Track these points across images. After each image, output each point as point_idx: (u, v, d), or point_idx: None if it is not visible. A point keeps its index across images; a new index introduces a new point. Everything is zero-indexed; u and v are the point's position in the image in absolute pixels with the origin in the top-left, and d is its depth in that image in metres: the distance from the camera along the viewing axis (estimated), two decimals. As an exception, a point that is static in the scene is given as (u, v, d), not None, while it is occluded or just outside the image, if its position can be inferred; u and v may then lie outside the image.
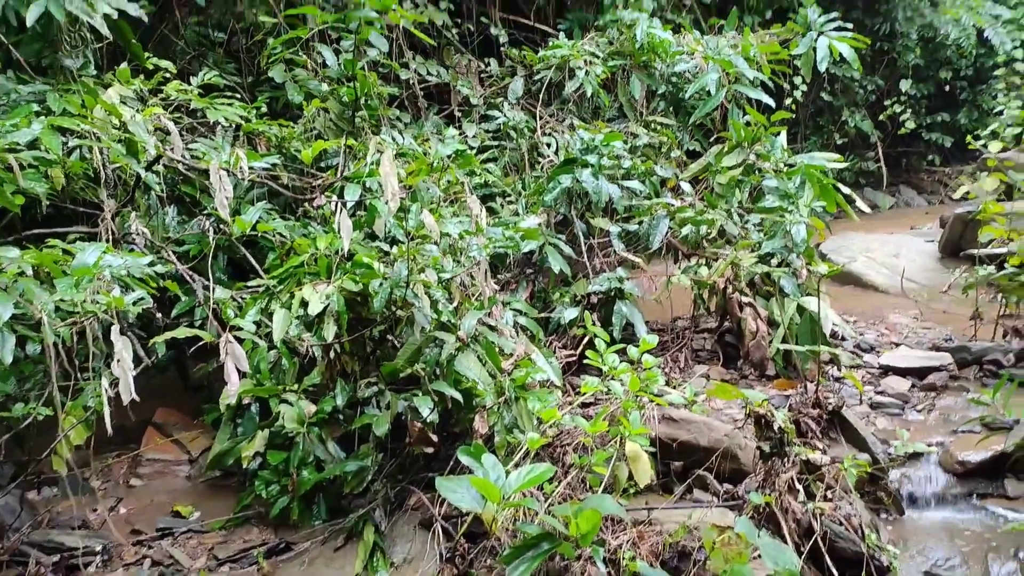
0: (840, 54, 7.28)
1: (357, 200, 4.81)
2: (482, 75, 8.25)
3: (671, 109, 7.76)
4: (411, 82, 7.40)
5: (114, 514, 4.01)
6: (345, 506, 3.97)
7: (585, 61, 7.12)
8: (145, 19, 5.71)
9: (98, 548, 3.64)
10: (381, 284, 3.87)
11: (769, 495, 3.10)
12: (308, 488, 3.91)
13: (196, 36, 7.28)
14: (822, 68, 7.37)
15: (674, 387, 4.44)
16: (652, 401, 3.67)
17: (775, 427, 3.13)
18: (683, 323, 5.88)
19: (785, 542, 3.00)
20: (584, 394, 3.99)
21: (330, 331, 3.87)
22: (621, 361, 4.01)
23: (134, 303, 3.35)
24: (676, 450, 3.64)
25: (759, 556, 2.79)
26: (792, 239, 4.91)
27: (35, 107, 4.42)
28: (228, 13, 7.39)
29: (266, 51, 6.51)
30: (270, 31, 6.89)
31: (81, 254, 3.44)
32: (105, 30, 5.10)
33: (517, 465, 3.39)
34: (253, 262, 4.47)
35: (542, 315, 5.26)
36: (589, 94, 6.96)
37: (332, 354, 4.06)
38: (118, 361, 3.09)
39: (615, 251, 5.70)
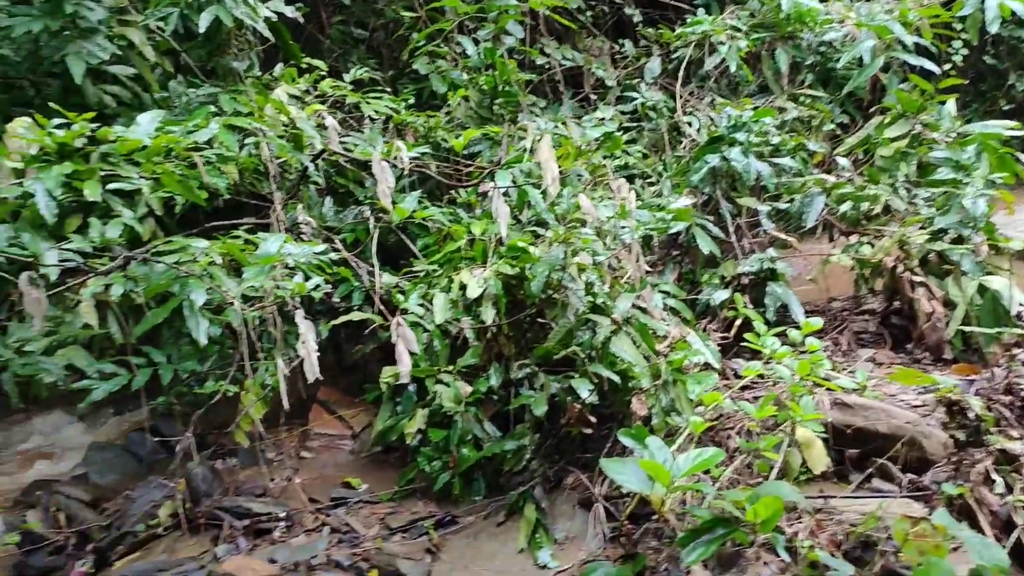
0: (1012, 12, 6.67)
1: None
2: (615, 57, 8.13)
3: (819, 81, 7.37)
4: (547, 67, 7.41)
5: (291, 484, 4.30)
6: (503, 483, 4.06)
7: (727, 35, 6.86)
8: (301, 20, 6.06)
9: (282, 514, 3.92)
10: (537, 268, 3.92)
11: (962, 486, 2.90)
12: (468, 465, 4.04)
13: (340, 34, 7.63)
14: (992, 29, 6.78)
15: (839, 371, 4.24)
16: (822, 386, 3.51)
17: (970, 415, 2.91)
18: (840, 304, 5.58)
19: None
20: (745, 378, 3.90)
21: (489, 314, 3.97)
22: (782, 344, 3.87)
23: (314, 289, 3.57)
24: (850, 437, 3.47)
25: (955, 550, 2.63)
26: (969, 214, 4.54)
27: (211, 108, 4.79)
28: (369, 11, 7.71)
29: (410, 44, 6.71)
30: (411, 26, 7.10)
31: (264, 244, 3.70)
32: (267, 32, 5.44)
33: (680, 448, 3.36)
34: (413, 247, 4.63)
35: (689, 297, 5.16)
36: (733, 69, 6.70)
37: (489, 336, 4.16)
38: (303, 343, 3.31)
39: (764, 231, 5.49)
